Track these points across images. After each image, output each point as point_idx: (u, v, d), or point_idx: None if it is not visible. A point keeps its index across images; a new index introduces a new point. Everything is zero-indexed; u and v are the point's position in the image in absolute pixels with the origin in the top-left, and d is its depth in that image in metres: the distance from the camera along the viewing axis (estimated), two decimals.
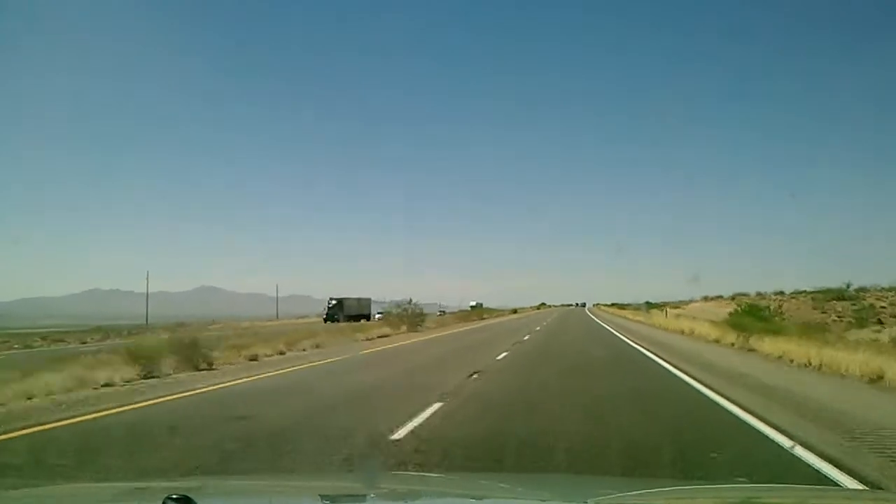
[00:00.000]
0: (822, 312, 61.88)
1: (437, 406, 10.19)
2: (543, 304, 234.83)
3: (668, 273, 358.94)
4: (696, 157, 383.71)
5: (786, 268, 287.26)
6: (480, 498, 3.58)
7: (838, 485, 5.93)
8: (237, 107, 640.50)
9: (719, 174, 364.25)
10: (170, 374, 15.22)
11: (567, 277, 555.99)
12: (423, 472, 6.54)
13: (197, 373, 15.83)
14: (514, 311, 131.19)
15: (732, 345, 23.59)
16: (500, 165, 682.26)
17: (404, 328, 40.17)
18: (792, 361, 16.86)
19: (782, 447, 7.39)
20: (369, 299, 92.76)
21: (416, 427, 8.51)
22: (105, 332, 55.22)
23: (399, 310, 45.29)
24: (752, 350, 21.27)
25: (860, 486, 5.89)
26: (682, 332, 34.15)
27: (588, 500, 2.90)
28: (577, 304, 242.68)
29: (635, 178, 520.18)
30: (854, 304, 62.42)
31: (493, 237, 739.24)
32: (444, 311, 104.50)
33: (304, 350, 23.41)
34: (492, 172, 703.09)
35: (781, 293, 76.05)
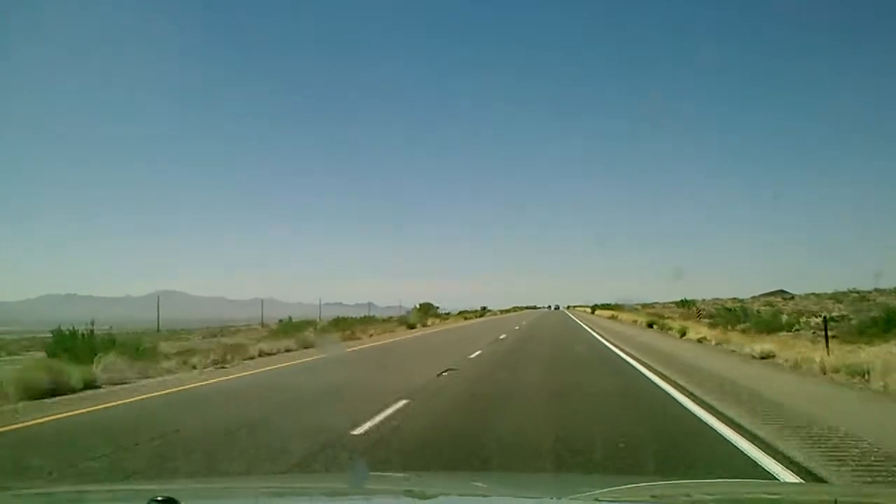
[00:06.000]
0: None
1: None
2: (486, 308, 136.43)
3: (638, 271, 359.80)
4: (673, 154, 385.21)
5: (767, 268, 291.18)
6: (467, 497, 3.74)
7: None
8: (202, 107, 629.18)
9: (697, 171, 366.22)
10: None
11: (533, 277, 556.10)
12: (409, 472, 6.58)
13: None
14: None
15: None
16: (470, 162, 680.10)
17: None
18: None
19: None
20: None
21: None
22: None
23: None
24: None
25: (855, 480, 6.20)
26: None
27: (562, 498, 3.24)
28: (550, 307, 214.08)
29: (608, 175, 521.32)
30: None
31: (455, 236, 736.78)
32: None
33: None
34: (456, 171, 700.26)
35: None
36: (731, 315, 37.50)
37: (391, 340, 33.83)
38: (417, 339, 35.16)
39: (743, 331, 29.68)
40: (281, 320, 43.30)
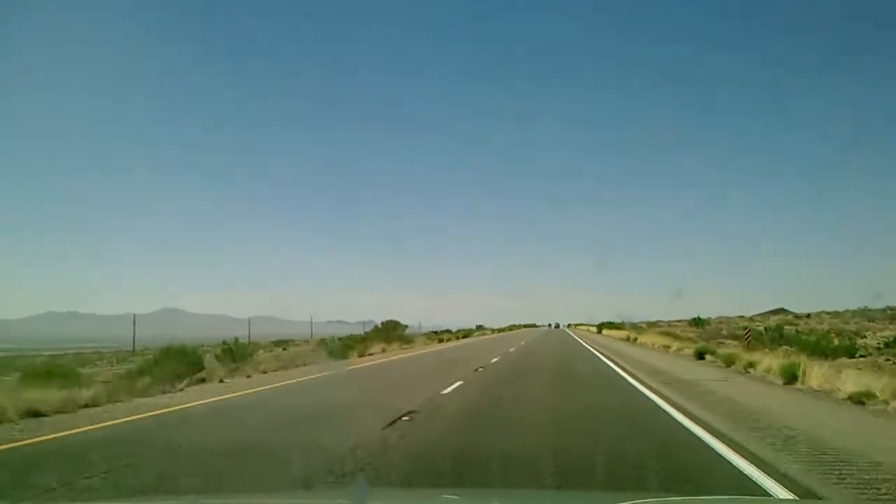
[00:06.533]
0: None
1: None
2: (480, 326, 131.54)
3: (638, 290, 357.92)
4: (670, 170, 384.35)
5: (765, 286, 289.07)
6: None
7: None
8: (195, 120, 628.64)
9: (697, 188, 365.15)
10: None
11: (532, 295, 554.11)
12: (410, 488, 6.48)
13: None
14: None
15: None
16: (465, 175, 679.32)
17: None
18: None
19: None
20: None
21: None
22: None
23: None
24: None
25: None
26: None
27: None
28: (550, 326, 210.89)
29: (607, 191, 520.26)
30: None
31: (456, 254, 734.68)
32: None
33: None
34: (451, 184, 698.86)
35: None
36: (768, 337, 30.77)
37: (251, 392, 18.02)
38: (295, 390, 18.98)
39: (786, 355, 21.23)
40: (233, 339, 31.93)
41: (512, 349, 42.72)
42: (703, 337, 47.59)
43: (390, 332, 54.46)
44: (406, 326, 61.14)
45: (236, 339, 32.05)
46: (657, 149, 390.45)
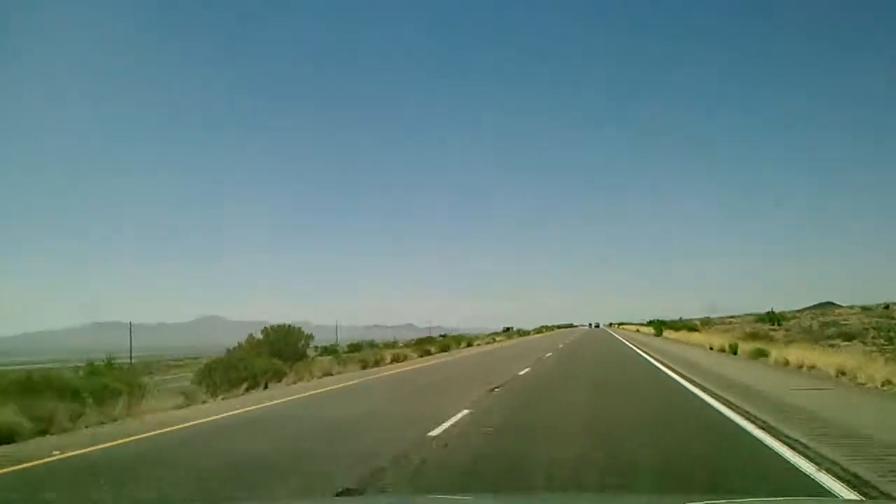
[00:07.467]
0: None
1: None
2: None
3: (671, 288, 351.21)
4: (699, 168, 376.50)
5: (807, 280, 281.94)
6: None
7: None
8: (209, 125, 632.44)
9: (731, 187, 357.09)
10: None
11: (566, 296, 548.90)
12: (456, 495, 6.36)
13: None
14: None
15: None
16: (487, 176, 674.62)
17: None
18: None
19: None
20: None
21: None
22: None
23: None
24: None
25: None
26: None
27: None
28: (590, 325, 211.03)
29: (637, 187, 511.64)
30: None
31: (476, 254, 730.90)
32: None
33: None
34: (476, 184, 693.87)
35: None
36: None
37: None
38: None
39: None
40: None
41: (498, 389, 17.68)
42: (811, 339, 32.74)
43: (275, 348, 29.32)
44: (311, 336, 36.46)
45: (109, 358, 23.78)
46: (682, 150, 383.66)
